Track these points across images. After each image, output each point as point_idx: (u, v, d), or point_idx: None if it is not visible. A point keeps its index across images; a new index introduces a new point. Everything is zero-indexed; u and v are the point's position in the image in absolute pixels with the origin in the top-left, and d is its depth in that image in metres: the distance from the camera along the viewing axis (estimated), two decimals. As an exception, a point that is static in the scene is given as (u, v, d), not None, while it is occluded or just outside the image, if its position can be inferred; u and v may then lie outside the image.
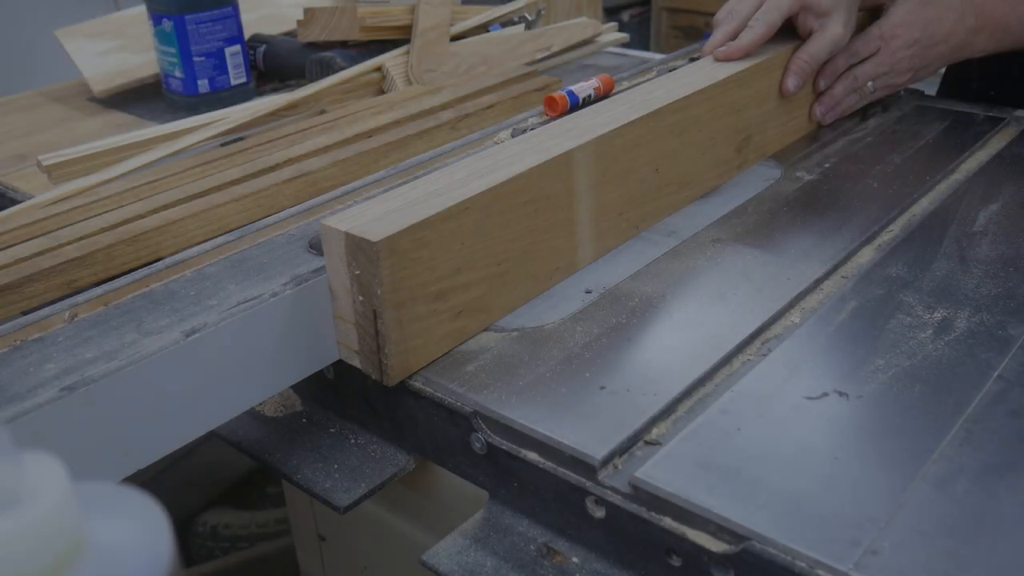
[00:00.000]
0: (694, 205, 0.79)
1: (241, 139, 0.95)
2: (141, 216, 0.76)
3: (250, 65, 1.16)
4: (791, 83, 0.87)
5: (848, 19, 0.87)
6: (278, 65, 1.19)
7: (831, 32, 0.86)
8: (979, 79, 1.09)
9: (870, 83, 0.92)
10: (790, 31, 0.88)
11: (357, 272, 0.54)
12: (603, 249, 0.71)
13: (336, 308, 0.58)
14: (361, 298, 0.55)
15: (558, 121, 0.70)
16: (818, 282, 0.66)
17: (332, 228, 0.54)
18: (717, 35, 0.86)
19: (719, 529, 0.45)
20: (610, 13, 2.87)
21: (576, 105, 0.77)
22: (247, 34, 1.17)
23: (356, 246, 0.53)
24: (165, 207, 0.77)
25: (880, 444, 0.50)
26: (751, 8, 0.88)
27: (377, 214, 0.55)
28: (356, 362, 0.58)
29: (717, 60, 0.83)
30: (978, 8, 0.90)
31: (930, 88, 1.10)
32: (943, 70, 1.17)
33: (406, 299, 0.55)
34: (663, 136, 0.72)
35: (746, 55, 0.83)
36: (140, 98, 1.17)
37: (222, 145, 0.94)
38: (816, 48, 0.87)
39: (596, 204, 0.68)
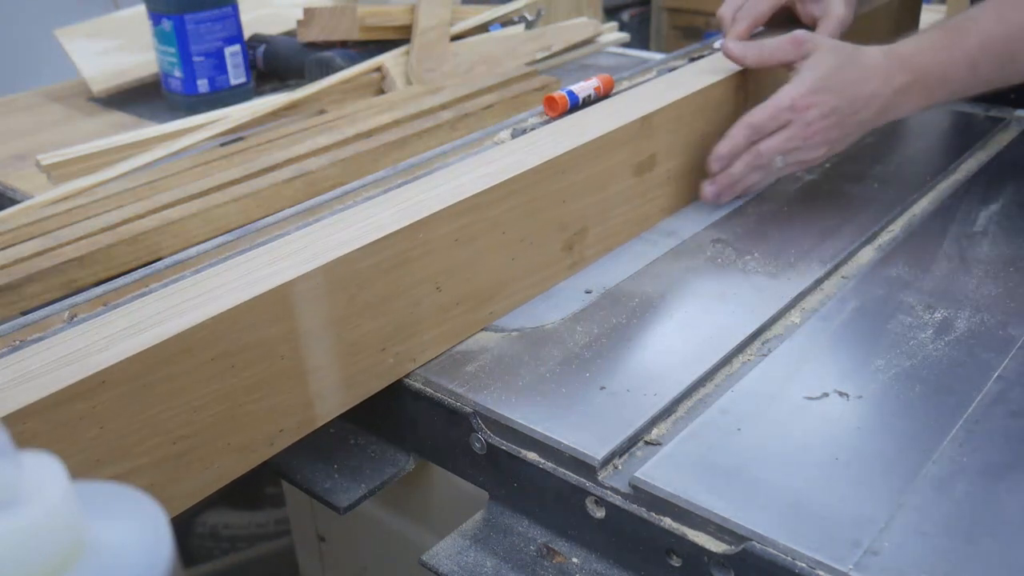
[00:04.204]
0: (694, 205, 0.78)
1: (241, 139, 0.95)
2: (141, 216, 0.76)
3: (250, 65, 1.16)
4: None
5: None
6: (278, 65, 1.19)
7: (835, 14, 0.83)
8: None
9: (779, 158, 0.76)
10: (795, 23, 0.87)
11: None
12: (361, 394, 0.56)
13: None
14: None
15: (297, 236, 0.56)
16: (818, 282, 0.66)
17: None
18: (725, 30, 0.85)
19: (719, 529, 0.45)
20: (610, 13, 2.87)
21: (576, 105, 0.77)
22: (247, 34, 1.17)
23: None
24: (165, 207, 0.77)
25: (880, 444, 0.50)
26: None
27: None
28: None
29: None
30: (907, 62, 0.75)
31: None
32: None
33: None
34: (443, 247, 0.58)
35: (736, 55, 0.79)
36: (140, 98, 1.17)
37: (222, 145, 0.94)
38: (828, 33, 0.82)
39: (341, 343, 0.54)
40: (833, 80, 0.74)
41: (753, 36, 0.86)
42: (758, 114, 0.75)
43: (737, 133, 0.75)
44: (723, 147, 0.76)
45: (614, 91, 0.81)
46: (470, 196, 0.59)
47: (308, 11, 1.17)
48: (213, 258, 0.63)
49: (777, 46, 0.77)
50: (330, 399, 0.54)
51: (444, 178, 0.62)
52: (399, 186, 0.64)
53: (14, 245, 0.72)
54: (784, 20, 0.88)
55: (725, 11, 0.87)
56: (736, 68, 0.80)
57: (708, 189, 0.77)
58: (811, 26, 0.85)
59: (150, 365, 0.45)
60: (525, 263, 0.64)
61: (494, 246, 0.62)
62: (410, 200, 0.59)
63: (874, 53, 0.75)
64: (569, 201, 0.66)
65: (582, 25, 1.25)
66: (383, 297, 0.55)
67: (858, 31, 0.91)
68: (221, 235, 0.70)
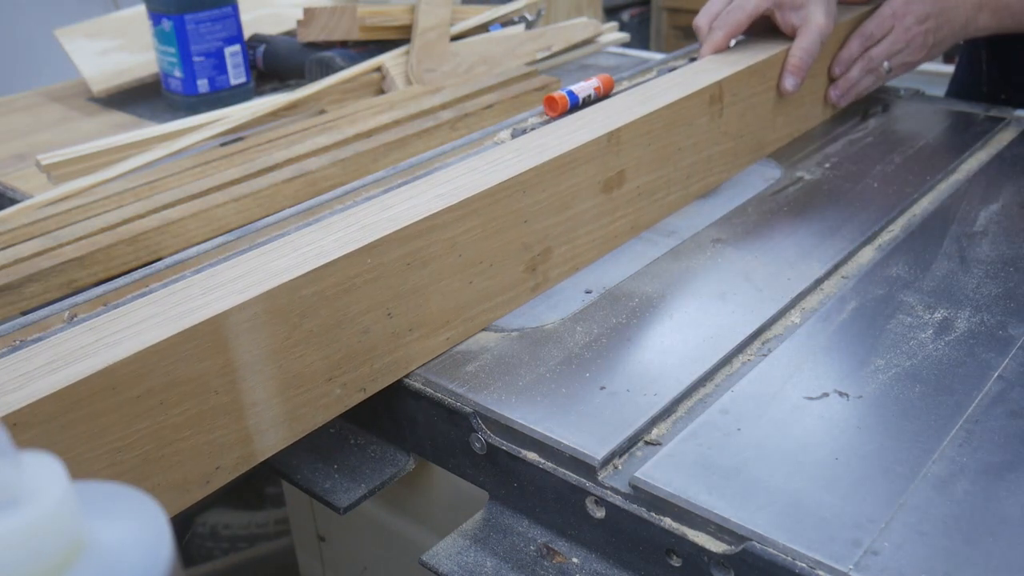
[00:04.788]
0: (694, 205, 0.79)
1: (241, 139, 0.95)
2: (141, 216, 0.76)
3: (250, 65, 1.16)
4: (789, 83, 0.84)
5: (827, 8, 0.85)
6: (278, 65, 1.19)
7: (815, 22, 0.83)
8: (989, 83, 1.09)
9: (885, 63, 0.91)
10: (775, 32, 0.87)
11: None
12: (307, 427, 0.53)
13: None
14: None
15: (236, 262, 0.52)
16: (818, 282, 0.66)
17: None
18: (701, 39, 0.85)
19: (719, 529, 0.45)
20: (610, 13, 2.87)
21: (576, 105, 0.77)
22: (247, 34, 1.17)
23: None
24: (165, 207, 0.77)
25: (880, 444, 0.50)
26: (720, 6, 0.86)
27: None
28: None
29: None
30: None
31: (938, 90, 1.10)
32: (952, 72, 1.17)
33: None
34: (394, 272, 0.55)
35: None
36: (140, 98, 1.17)
37: (222, 145, 0.94)
38: (807, 42, 0.84)
39: (283, 374, 0.51)
40: None
41: (731, 46, 0.85)
42: (868, 24, 0.90)
43: (852, 42, 0.90)
44: (843, 54, 0.90)
45: (614, 91, 0.81)
46: (423, 218, 0.56)
47: (308, 11, 1.17)
48: (213, 258, 0.63)
49: None
50: (271, 434, 0.51)
51: (398, 198, 0.58)
52: (354, 204, 0.61)
53: (14, 245, 0.72)
54: (763, 29, 0.88)
55: (701, 20, 0.87)
56: (711, 79, 0.76)
57: (833, 93, 0.91)
58: (790, 36, 0.85)
59: (68, 405, 0.42)
60: (484, 286, 0.61)
61: (450, 269, 0.58)
62: (360, 223, 0.55)
63: None
64: (531, 221, 0.63)
65: (582, 25, 1.25)
66: (329, 325, 0.52)
67: (839, 41, 0.92)
68: (221, 235, 0.70)
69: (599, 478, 0.49)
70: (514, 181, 0.61)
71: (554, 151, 0.64)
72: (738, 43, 0.87)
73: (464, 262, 0.59)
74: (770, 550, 0.43)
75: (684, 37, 3.01)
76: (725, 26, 0.83)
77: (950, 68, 1.21)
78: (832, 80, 0.92)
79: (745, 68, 0.79)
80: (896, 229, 0.74)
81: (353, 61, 1.11)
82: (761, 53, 0.83)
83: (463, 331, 0.61)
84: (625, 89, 0.79)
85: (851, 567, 0.42)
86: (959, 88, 1.14)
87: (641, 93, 0.75)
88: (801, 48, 0.84)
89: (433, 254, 0.57)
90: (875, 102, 0.98)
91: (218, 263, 0.56)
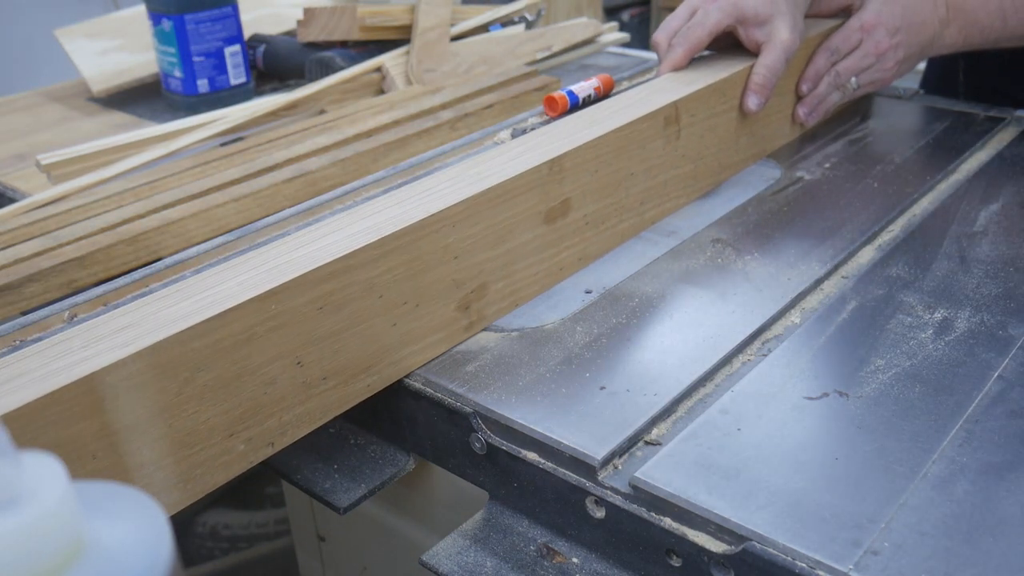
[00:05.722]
0: (694, 205, 0.78)
1: (241, 139, 0.95)
2: (140, 216, 0.76)
3: (250, 65, 1.16)
4: (752, 102, 0.79)
5: (793, 23, 0.80)
6: (278, 65, 1.19)
7: (779, 38, 0.79)
8: (966, 83, 1.07)
9: (853, 79, 0.88)
10: (741, 47, 0.82)
11: None
12: (206, 487, 0.49)
13: None
14: None
15: (125, 310, 0.48)
16: (818, 282, 0.66)
17: None
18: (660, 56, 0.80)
19: (719, 529, 0.45)
20: (610, 13, 2.87)
21: (576, 105, 0.77)
22: (247, 34, 1.17)
23: None
24: (165, 207, 0.77)
25: (880, 444, 0.50)
26: (680, 22, 0.81)
27: None
28: None
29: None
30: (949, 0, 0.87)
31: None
32: (923, 69, 1.15)
33: None
34: (303, 317, 0.50)
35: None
36: (140, 98, 1.17)
37: (221, 145, 0.95)
38: (771, 59, 0.79)
39: (173, 433, 0.46)
40: (892, 6, 0.85)
41: (693, 62, 0.81)
42: (834, 38, 0.86)
43: (819, 57, 0.86)
44: (810, 70, 0.86)
45: (614, 91, 0.81)
46: (336, 259, 0.51)
47: (308, 11, 1.17)
48: (213, 258, 0.63)
49: None
50: (163, 497, 0.47)
51: (314, 235, 0.54)
52: (268, 241, 0.58)
53: (14, 245, 0.72)
54: (728, 45, 0.83)
55: (660, 36, 0.82)
56: (666, 100, 0.72)
57: (800, 111, 0.88)
58: (754, 52, 0.81)
59: None
60: (410, 328, 0.57)
61: (369, 312, 0.54)
62: (268, 264, 0.51)
63: None
64: (463, 256, 0.58)
65: (582, 25, 1.25)
66: (227, 378, 0.48)
67: (808, 57, 0.87)
68: (221, 235, 0.70)
69: (599, 478, 0.49)
70: (442, 215, 0.56)
71: (489, 181, 0.59)
72: (699, 59, 0.82)
73: (386, 303, 0.55)
74: (770, 550, 0.43)
75: (684, 37, 3.00)
76: (685, 43, 0.79)
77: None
78: (800, 97, 0.88)
79: (705, 87, 0.75)
80: (896, 229, 0.74)
81: (353, 61, 1.11)
82: (723, 71, 0.78)
83: (388, 375, 0.57)
84: (626, 89, 0.79)
85: (851, 567, 0.42)
86: (935, 88, 1.12)
87: (590, 115, 0.70)
88: (765, 65, 0.79)
89: (349, 296, 0.52)
90: (874, 103, 0.98)
91: (218, 263, 0.56)
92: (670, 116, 0.72)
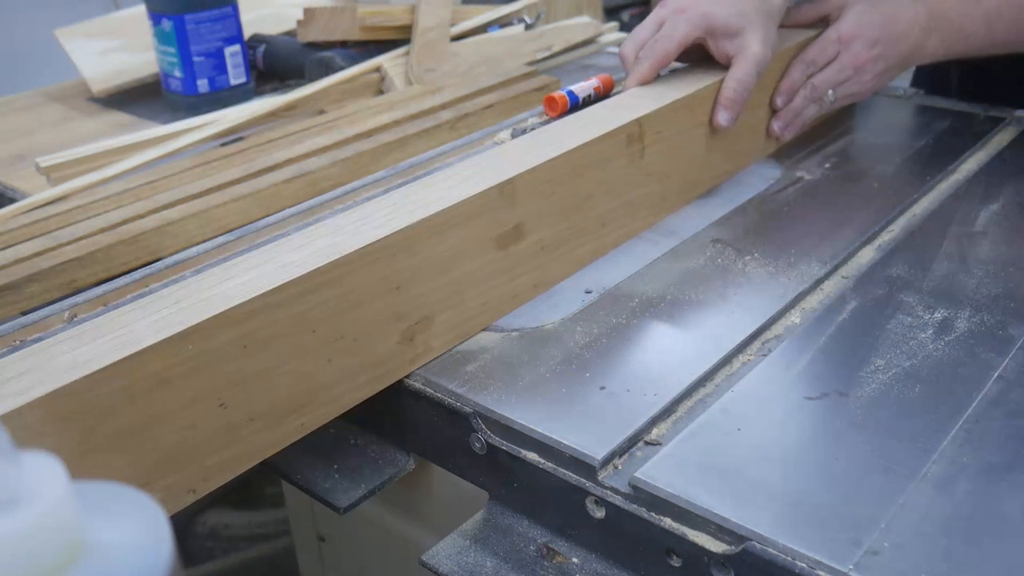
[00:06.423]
0: (694, 205, 0.78)
1: (241, 139, 0.95)
2: (140, 216, 0.76)
3: (250, 65, 1.16)
4: (722, 118, 0.75)
5: (765, 35, 0.76)
6: (278, 65, 1.19)
7: (751, 52, 0.75)
8: (960, 80, 1.07)
9: (830, 91, 0.84)
10: (712, 60, 0.79)
11: None
12: None
13: None
14: None
15: (24, 354, 0.44)
16: (818, 282, 0.66)
17: None
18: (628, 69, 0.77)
19: (719, 529, 0.45)
20: (610, 13, 2.87)
21: (576, 105, 0.77)
22: (247, 34, 1.17)
23: None
24: (165, 207, 0.77)
25: (880, 444, 0.50)
26: (648, 33, 0.78)
27: None
28: None
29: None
30: (931, 8, 0.83)
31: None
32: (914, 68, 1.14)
33: None
34: (226, 357, 0.47)
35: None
36: (140, 98, 1.17)
37: (222, 145, 0.95)
38: (742, 73, 0.75)
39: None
40: (872, 16, 0.83)
41: (661, 76, 0.78)
42: (810, 50, 0.83)
43: (794, 70, 0.83)
44: (784, 83, 0.83)
45: (614, 91, 0.81)
46: (260, 294, 0.47)
47: (308, 11, 1.17)
48: (213, 258, 0.63)
49: (812, 6, 0.85)
50: None
51: (239, 268, 0.51)
52: (192, 274, 0.55)
53: (14, 245, 0.72)
54: (698, 57, 0.80)
55: (627, 49, 0.79)
56: (629, 117, 0.68)
57: (775, 125, 0.84)
58: (725, 65, 0.78)
59: None
60: (348, 363, 0.53)
61: (301, 348, 0.50)
62: (187, 300, 0.48)
63: None
64: (405, 287, 0.55)
65: (582, 25, 1.25)
66: (139, 425, 0.44)
67: (783, 69, 0.84)
68: (221, 235, 0.70)
69: (599, 478, 0.49)
70: (377, 246, 0.53)
71: (431, 208, 0.56)
72: (668, 73, 0.79)
73: (319, 339, 0.51)
74: (770, 550, 0.43)
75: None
76: (652, 56, 0.75)
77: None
78: (774, 111, 0.85)
79: (672, 102, 0.72)
80: (896, 229, 0.74)
81: (353, 61, 1.11)
82: (691, 85, 0.75)
83: (324, 413, 0.54)
84: (620, 91, 0.79)
85: (851, 567, 0.42)
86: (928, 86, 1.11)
87: (547, 134, 0.67)
88: (735, 79, 0.76)
89: (277, 332, 0.49)
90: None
91: (218, 263, 0.55)
92: (633, 134, 0.69)
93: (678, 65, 0.81)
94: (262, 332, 0.48)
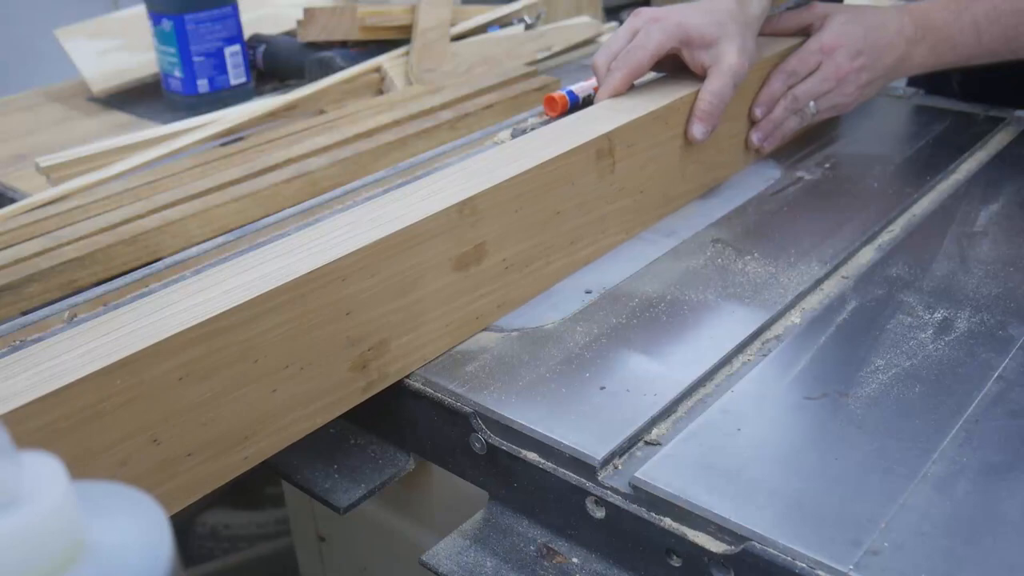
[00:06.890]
0: (694, 205, 0.78)
1: (241, 139, 0.95)
2: (140, 216, 0.76)
3: (250, 65, 1.16)
4: (697, 130, 0.73)
5: (742, 45, 0.74)
6: (278, 65, 1.19)
7: (727, 62, 0.73)
8: (961, 80, 1.06)
9: (812, 103, 0.82)
10: (688, 71, 0.77)
11: None
12: None
13: None
14: None
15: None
16: (818, 282, 0.66)
17: None
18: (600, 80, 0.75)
19: (719, 529, 0.45)
20: (610, 13, 2.87)
21: (576, 105, 0.77)
22: (247, 34, 1.17)
23: None
24: (164, 207, 0.77)
25: (880, 444, 0.49)
26: (621, 43, 0.75)
27: None
28: None
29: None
30: (917, 17, 0.81)
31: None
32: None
33: None
34: (160, 389, 0.45)
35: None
36: (140, 98, 1.17)
37: (221, 145, 0.95)
38: (717, 85, 0.73)
39: None
40: (855, 26, 0.80)
41: (634, 87, 0.76)
42: (791, 60, 0.81)
43: (774, 80, 0.81)
44: (763, 94, 0.81)
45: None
46: (200, 322, 0.45)
47: (308, 11, 1.17)
48: (213, 258, 0.63)
49: (794, 14, 0.84)
50: None
51: (180, 294, 0.48)
52: (128, 301, 0.53)
53: (14, 245, 0.72)
54: (673, 68, 0.78)
55: (599, 59, 0.76)
56: (599, 131, 0.66)
57: (755, 136, 0.82)
58: (701, 76, 0.75)
59: None
60: (296, 392, 0.51)
61: (243, 378, 0.48)
62: (120, 329, 0.45)
63: (887, 7, 0.81)
64: (357, 312, 0.53)
65: (582, 25, 1.25)
66: (68, 461, 0.40)
67: (763, 79, 0.82)
68: (221, 235, 0.70)
69: (599, 478, 0.49)
70: (330, 268, 0.50)
71: (388, 228, 0.54)
72: (642, 84, 0.77)
73: (264, 368, 0.49)
74: (770, 550, 0.43)
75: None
76: (624, 67, 0.73)
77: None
78: (753, 122, 0.82)
79: (645, 115, 0.69)
80: (896, 229, 0.74)
81: (353, 61, 1.11)
82: (665, 97, 0.73)
83: (271, 444, 0.51)
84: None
85: (851, 567, 0.42)
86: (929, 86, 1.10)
87: (512, 150, 0.65)
88: (710, 91, 0.73)
89: (218, 362, 0.46)
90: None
91: (218, 263, 0.55)
92: (603, 148, 0.67)
93: (651, 75, 0.79)
94: (201, 362, 0.46)
